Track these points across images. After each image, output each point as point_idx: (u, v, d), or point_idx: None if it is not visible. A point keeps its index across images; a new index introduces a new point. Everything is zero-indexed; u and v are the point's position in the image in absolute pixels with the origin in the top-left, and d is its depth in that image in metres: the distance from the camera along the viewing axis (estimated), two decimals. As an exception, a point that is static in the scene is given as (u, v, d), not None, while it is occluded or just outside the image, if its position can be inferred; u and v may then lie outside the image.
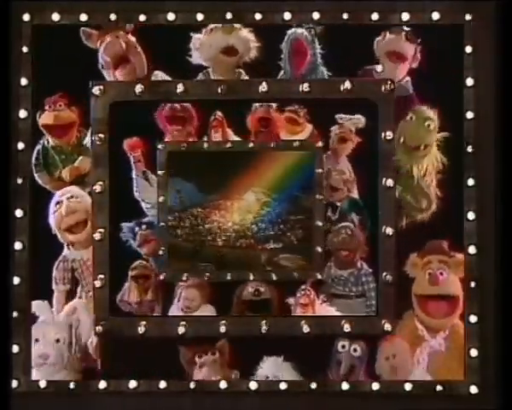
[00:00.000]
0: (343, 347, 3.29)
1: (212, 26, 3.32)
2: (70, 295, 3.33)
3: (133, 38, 3.32)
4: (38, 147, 3.33)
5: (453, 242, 3.30)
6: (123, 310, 3.30)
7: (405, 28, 3.30)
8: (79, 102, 3.31)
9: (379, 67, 3.32)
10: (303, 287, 3.28)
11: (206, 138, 3.31)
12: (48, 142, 3.33)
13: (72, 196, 3.32)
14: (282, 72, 3.32)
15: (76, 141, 3.35)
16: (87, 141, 3.32)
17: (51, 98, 3.31)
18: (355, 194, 3.32)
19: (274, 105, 3.30)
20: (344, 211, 3.32)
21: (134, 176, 3.31)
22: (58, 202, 3.32)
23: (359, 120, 3.30)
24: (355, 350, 3.29)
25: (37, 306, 3.31)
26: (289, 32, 3.32)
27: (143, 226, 3.30)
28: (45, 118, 3.31)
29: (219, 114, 3.30)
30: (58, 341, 3.32)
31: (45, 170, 3.34)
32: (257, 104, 3.31)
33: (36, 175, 3.32)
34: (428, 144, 3.31)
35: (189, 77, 3.30)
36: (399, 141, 3.30)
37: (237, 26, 3.32)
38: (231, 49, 3.32)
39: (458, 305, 3.30)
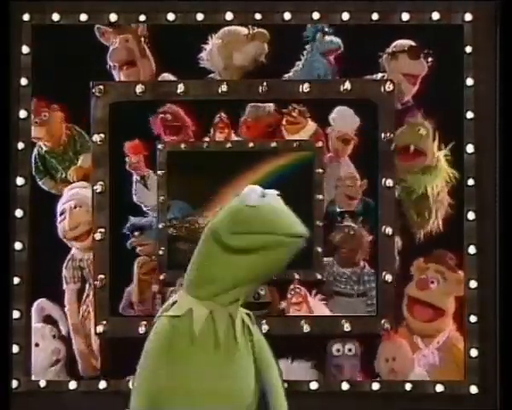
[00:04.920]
0: (337, 350, 3.30)
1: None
2: (81, 294, 3.34)
3: (143, 41, 3.33)
4: (35, 153, 3.33)
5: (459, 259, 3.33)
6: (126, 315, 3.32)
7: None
8: (60, 99, 3.31)
9: (379, 76, 3.33)
10: (291, 286, 3.29)
11: (206, 139, 3.31)
12: (41, 148, 3.33)
13: (75, 207, 3.32)
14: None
15: (66, 139, 3.34)
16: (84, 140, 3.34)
17: (33, 108, 3.31)
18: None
19: (272, 106, 3.31)
20: (359, 214, 3.32)
21: (134, 180, 3.31)
22: (62, 212, 3.32)
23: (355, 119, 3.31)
24: (350, 350, 3.30)
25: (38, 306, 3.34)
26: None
27: (136, 233, 3.31)
28: (34, 130, 3.32)
29: (224, 115, 3.30)
30: (54, 336, 3.33)
31: (48, 175, 3.33)
32: (248, 108, 3.32)
33: (40, 183, 3.32)
34: (422, 150, 3.32)
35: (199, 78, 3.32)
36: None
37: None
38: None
39: (445, 317, 3.31)
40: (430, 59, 3.31)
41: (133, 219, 3.32)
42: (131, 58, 3.33)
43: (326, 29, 3.32)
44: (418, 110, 3.31)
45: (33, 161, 3.33)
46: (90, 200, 3.31)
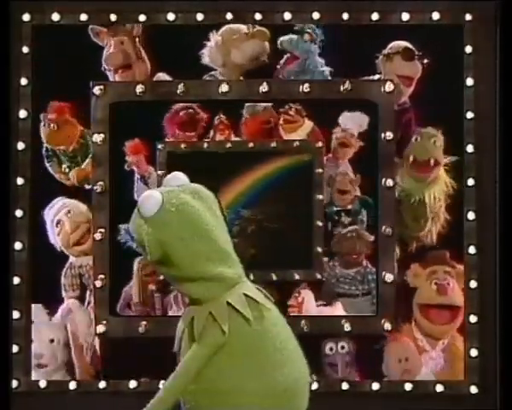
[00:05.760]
0: (331, 349, 3.31)
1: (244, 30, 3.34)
2: (79, 301, 3.33)
3: (137, 42, 3.33)
4: (46, 145, 3.33)
5: (455, 253, 3.32)
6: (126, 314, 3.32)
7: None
8: (80, 109, 3.31)
9: (376, 77, 3.33)
10: (297, 289, 3.29)
11: (206, 139, 3.31)
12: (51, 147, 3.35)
13: (69, 211, 3.32)
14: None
15: (78, 146, 3.34)
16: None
17: (47, 115, 3.31)
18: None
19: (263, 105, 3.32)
20: (356, 212, 3.32)
21: (134, 178, 3.31)
22: (58, 222, 3.32)
23: (362, 121, 3.31)
24: (343, 348, 3.30)
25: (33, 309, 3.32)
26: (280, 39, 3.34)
27: None
28: (45, 136, 3.33)
29: (223, 116, 3.30)
30: (52, 341, 3.32)
31: (56, 160, 3.33)
32: (245, 108, 3.32)
33: (47, 164, 3.32)
34: (438, 161, 3.32)
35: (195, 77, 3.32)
36: (408, 161, 3.32)
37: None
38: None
39: (459, 314, 3.32)
40: (425, 60, 3.31)
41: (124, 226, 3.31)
42: (127, 62, 3.32)
43: (312, 32, 3.32)
44: (428, 120, 3.31)
45: (44, 148, 3.32)
46: (80, 205, 3.32)
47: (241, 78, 3.32)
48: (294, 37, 3.32)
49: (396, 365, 3.31)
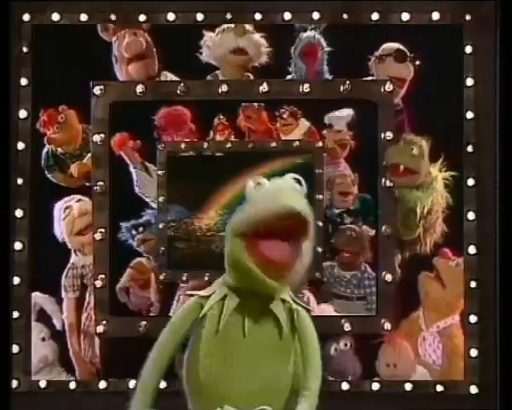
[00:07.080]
0: (335, 350, 3.31)
1: (224, 26, 3.34)
2: (79, 302, 3.34)
3: (149, 38, 3.34)
4: (46, 150, 3.33)
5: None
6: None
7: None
8: (80, 110, 3.31)
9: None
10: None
11: (206, 139, 3.31)
12: (55, 149, 3.34)
13: (80, 199, 3.32)
14: (291, 75, 3.34)
15: (83, 143, 3.34)
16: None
17: (50, 112, 3.32)
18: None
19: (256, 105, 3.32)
20: (358, 212, 3.32)
21: (132, 169, 3.31)
22: (67, 207, 3.32)
23: (348, 114, 3.31)
24: (346, 345, 3.31)
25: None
26: (301, 35, 3.34)
27: (140, 229, 3.30)
28: (49, 134, 3.33)
29: (222, 117, 3.30)
30: (44, 339, 3.32)
31: (57, 168, 3.33)
32: (243, 104, 3.32)
33: (49, 176, 3.32)
34: (414, 169, 3.31)
35: (198, 77, 3.32)
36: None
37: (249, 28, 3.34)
38: (241, 51, 3.34)
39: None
40: (417, 62, 3.31)
41: (125, 224, 3.32)
42: (142, 51, 3.32)
43: (309, 26, 3.33)
44: (414, 126, 3.31)
45: (44, 156, 3.32)
46: (88, 200, 3.32)
47: (250, 75, 3.33)
48: (313, 32, 3.33)
49: (385, 368, 3.31)
